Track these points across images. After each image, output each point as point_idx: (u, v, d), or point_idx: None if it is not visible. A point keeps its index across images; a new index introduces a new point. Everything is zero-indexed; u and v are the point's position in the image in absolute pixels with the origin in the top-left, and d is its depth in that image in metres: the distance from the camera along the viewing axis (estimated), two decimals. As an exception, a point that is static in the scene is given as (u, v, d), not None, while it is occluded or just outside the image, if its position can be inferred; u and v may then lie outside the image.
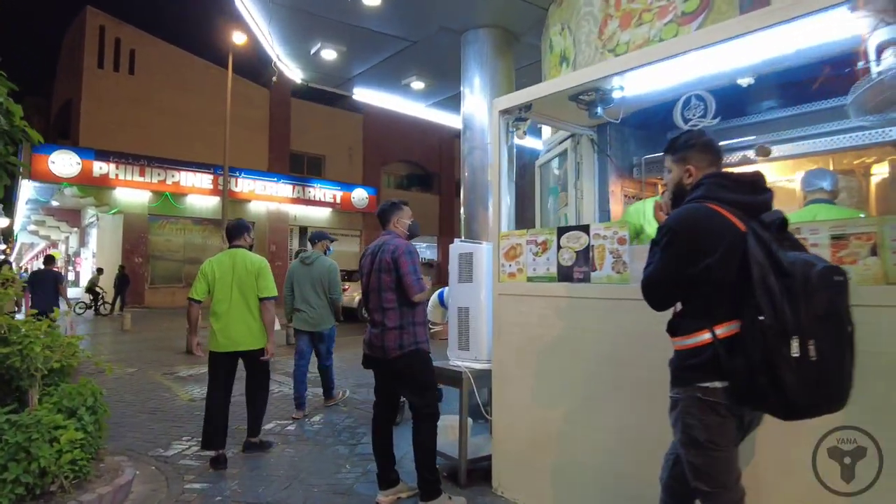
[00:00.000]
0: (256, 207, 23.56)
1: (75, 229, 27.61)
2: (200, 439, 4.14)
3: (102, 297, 18.44)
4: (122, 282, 18.52)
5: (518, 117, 3.68)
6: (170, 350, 10.19)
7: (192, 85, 22.36)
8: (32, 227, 30.78)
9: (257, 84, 24.48)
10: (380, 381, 3.51)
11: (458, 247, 3.97)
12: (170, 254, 22.26)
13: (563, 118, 4.20)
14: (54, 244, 35.09)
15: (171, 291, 21.82)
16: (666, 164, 2.08)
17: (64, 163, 18.93)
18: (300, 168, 26.01)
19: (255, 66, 24.16)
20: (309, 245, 5.69)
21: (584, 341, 3.01)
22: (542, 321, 3.27)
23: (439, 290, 4.88)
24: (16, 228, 33.74)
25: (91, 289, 18.39)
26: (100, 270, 19.51)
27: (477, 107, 5.65)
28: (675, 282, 1.83)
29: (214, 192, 21.74)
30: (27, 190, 20.97)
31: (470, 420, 3.74)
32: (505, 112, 3.66)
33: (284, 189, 24.16)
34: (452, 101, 7.78)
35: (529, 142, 8.26)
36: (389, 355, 3.31)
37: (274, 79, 6.69)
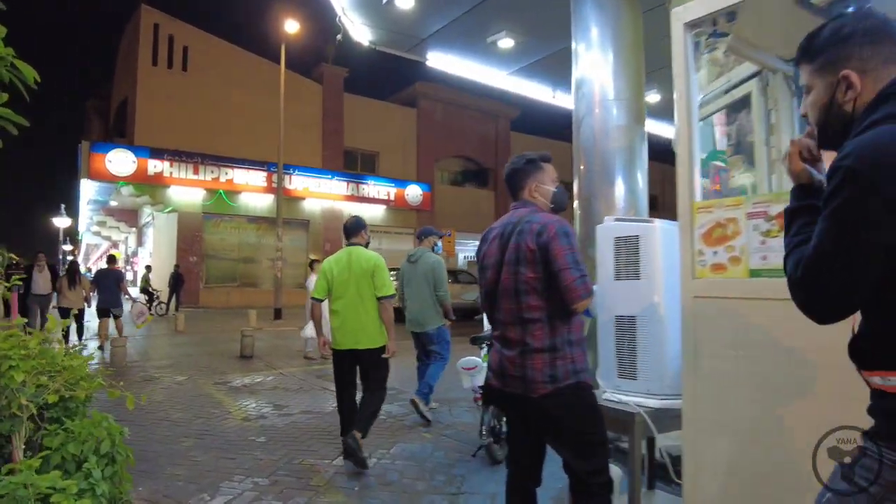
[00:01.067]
0: (311, 205, 22.99)
1: (133, 229, 27.90)
2: (257, 480, 3.66)
3: (157, 297, 18.14)
4: (177, 281, 18.17)
5: (714, 32, 2.47)
6: (223, 354, 9.48)
7: (244, 81, 21.86)
8: (95, 228, 31.45)
9: (310, 79, 23.93)
10: (517, 428, 2.34)
11: (612, 228, 2.74)
12: (224, 253, 21.92)
13: (758, 43, 2.94)
14: (115, 244, 35.88)
15: (225, 291, 21.47)
16: (803, 81, 1.25)
17: (120, 161, 18.84)
18: (354, 165, 25.28)
19: (307, 61, 23.69)
20: (416, 241, 5.63)
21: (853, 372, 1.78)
22: (778, 339, 2.04)
23: None
24: (80, 229, 34.66)
25: (145, 289, 18.11)
26: (148, 268, 19.28)
27: (594, 59, 4.41)
28: (863, 266, 1.00)
29: (268, 189, 21.26)
30: (88, 190, 21.08)
31: (621, 470, 2.55)
32: (693, 25, 2.44)
33: (339, 186, 23.48)
34: (541, 67, 6.57)
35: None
36: (535, 392, 2.12)
37: (339, 37, 5.69)
